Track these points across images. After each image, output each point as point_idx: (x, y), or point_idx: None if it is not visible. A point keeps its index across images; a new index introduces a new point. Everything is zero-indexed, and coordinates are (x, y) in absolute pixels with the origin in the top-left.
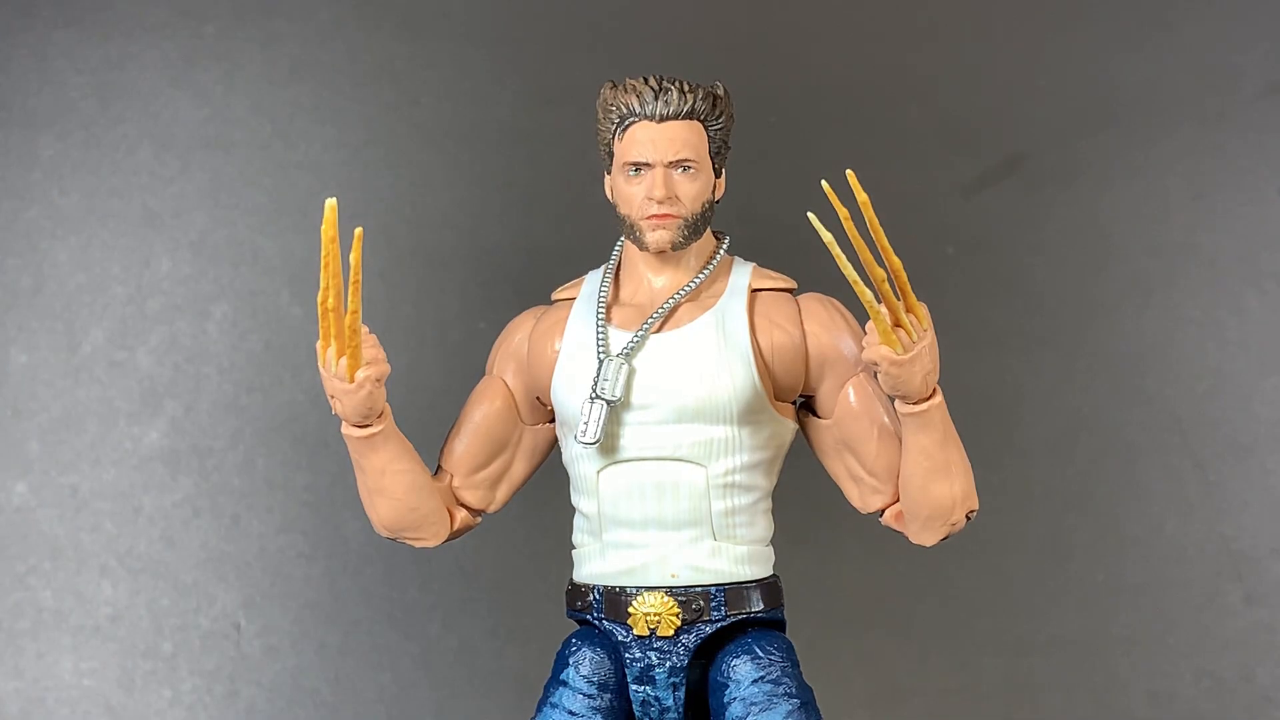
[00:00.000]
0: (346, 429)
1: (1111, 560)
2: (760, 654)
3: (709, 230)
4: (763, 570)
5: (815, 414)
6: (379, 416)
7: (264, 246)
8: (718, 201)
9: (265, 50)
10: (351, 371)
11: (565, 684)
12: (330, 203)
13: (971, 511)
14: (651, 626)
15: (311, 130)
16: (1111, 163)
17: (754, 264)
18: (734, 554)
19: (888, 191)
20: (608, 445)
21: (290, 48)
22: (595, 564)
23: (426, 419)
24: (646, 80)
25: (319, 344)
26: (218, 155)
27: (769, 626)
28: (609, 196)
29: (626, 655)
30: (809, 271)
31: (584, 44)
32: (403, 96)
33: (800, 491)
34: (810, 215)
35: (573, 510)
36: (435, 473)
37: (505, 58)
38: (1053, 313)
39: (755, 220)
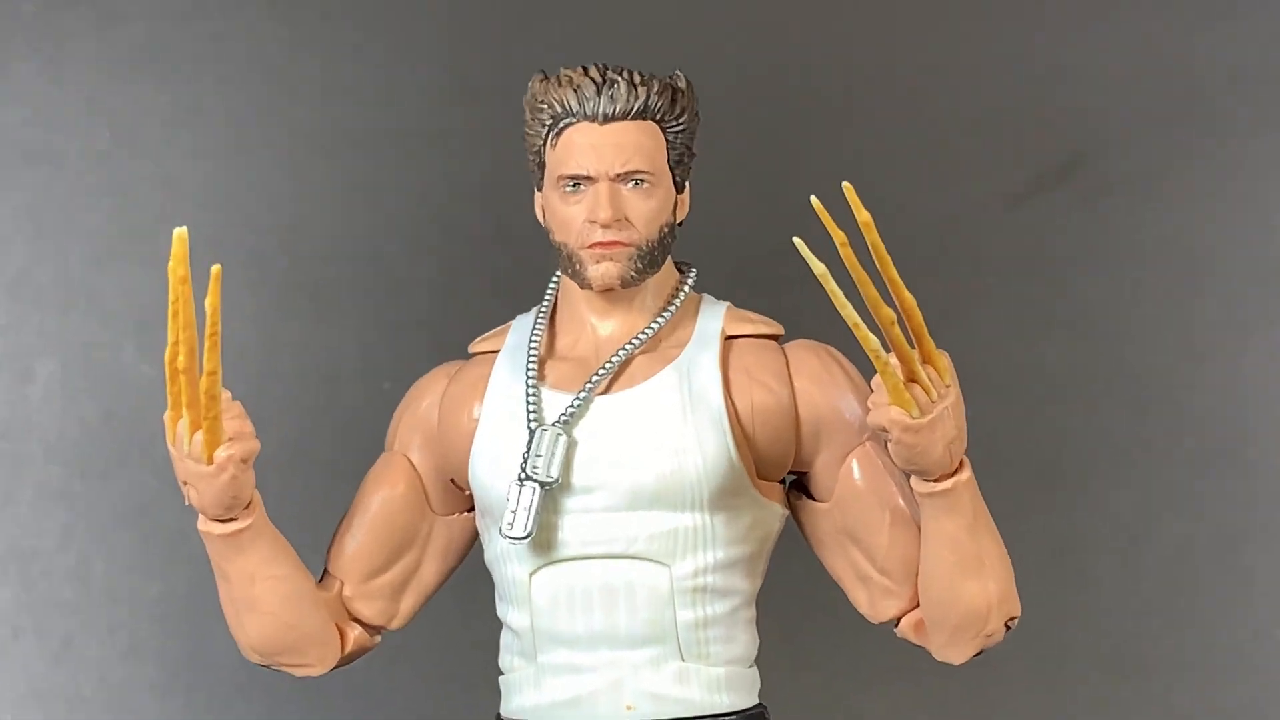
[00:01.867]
0: (205, 524)
1: (1206, 674)
2: None
3: (669, 261)
4: (745, 698)
5: (810, 495)
6: (246, 508)
7: (102, 287)
8: (680, 224)
9: (102, 34)
10: (209, 450)
11: None
12: (179, 233)
13: (1012, 619)
14: None
15: (161, 136)
16: (1194, 165)
17: (728, 304)
18: (707, 678)
19: (907, 206)
20: (542, 540)
21: (134, 30)
22: (528, 694)
23: (310, 509)
24: (586, 70)
25: (167, 415)
26: (41, 169)
27: None
28: (540, 219)
29: None
30: (798, 313)
31: (514, 25)
32: (279, 91)
33: (792, 594)
34: (797, 241)
35: (498, 624)
36: (321, 579)
37: (411, 42)
38: (1122, 359)
39: (730, 248)
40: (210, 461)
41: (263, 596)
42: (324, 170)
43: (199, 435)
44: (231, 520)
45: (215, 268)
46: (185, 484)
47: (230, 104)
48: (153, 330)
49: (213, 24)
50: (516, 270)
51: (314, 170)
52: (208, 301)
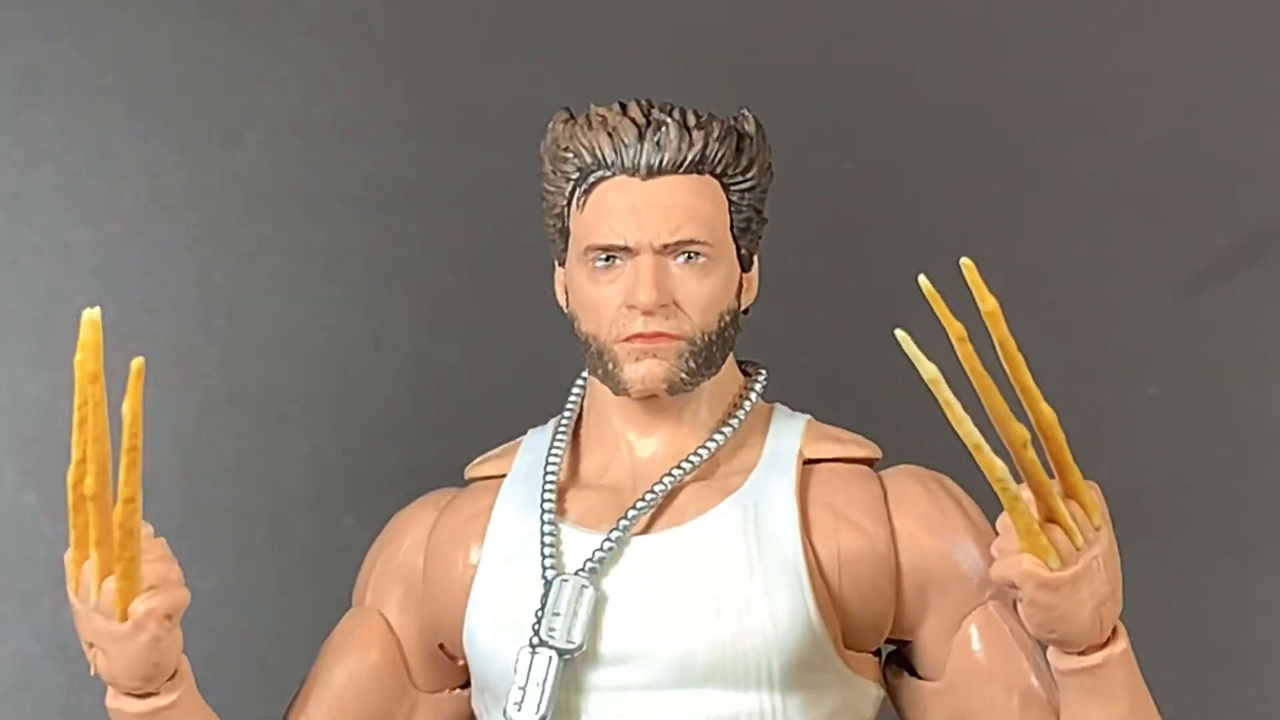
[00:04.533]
0: (116, 700)
1: None
2: None
3: (731, 360)
4: None
5: (914, 672)
6: (170, 679)
7: None
8: (746, 311)
9: None
10: (123, 602)
11: None
12: (89, 316)
13: None
14: None
15: (56, 188)
16: None
17: (808, 417)
18: None
19: (1043, 292)
20: None
21: (23, 43)
22: None
23: (254, 682)
24: (625, 109)
25: (69, 555)
26: None
27: None
28: (561, 303)
29: None
30: (898, 432)
31: (527, 40)
32: (216, 128)
33: None
34: (901, 335)
35: None
36: None
37: (392, 60)
38: None
39: (810, 341)
40: (125, 618)
41: None
42: (269, 233)
43: (110, 583)
44: (151, 695)
45: (136, 361)
46: (91, 646)
47: (150, 143)
48: (40, 447)
49: (133, 32)
50: (528, 371)
51: (255, 234)
52: (126, 406)
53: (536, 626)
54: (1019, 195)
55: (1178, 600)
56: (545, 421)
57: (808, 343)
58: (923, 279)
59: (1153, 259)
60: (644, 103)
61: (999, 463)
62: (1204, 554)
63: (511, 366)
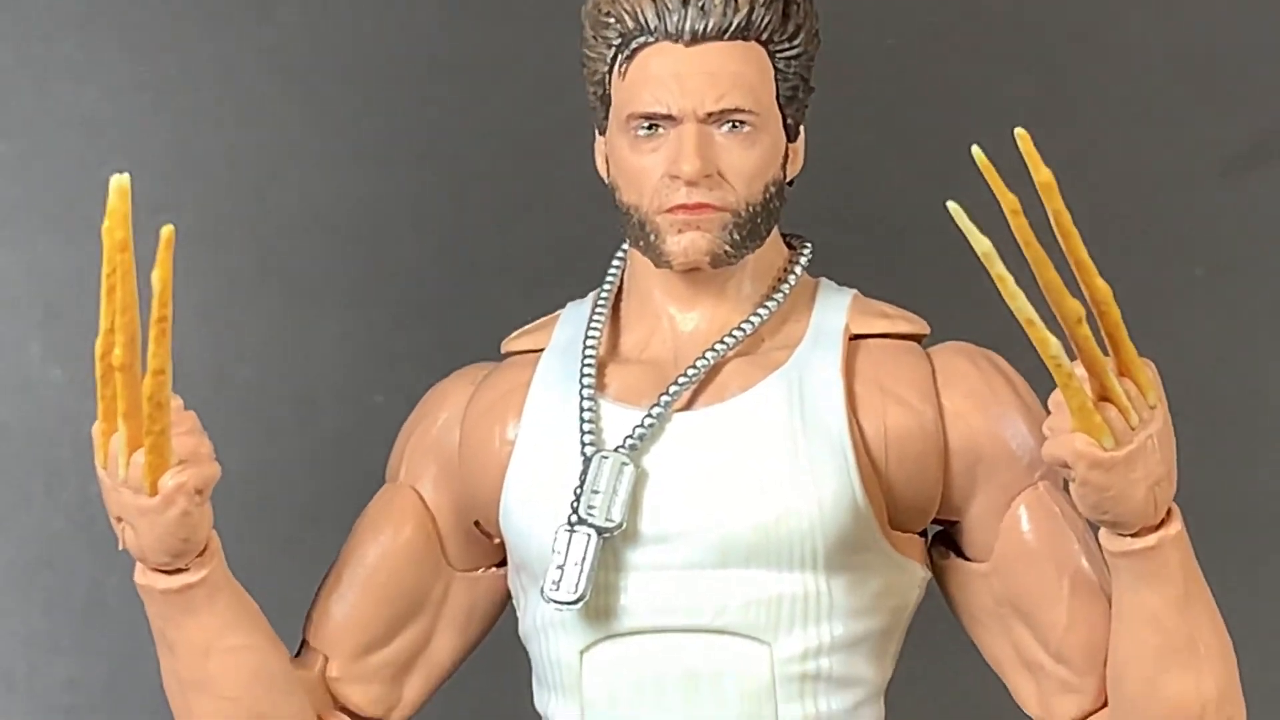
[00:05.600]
0: (144, 576)
1: None
2: None
3: (775, 233)
4: None
5: (961, 553)
6: (199, 555)
7: None
8: (791, 183)
9: None
10: (153, 476)
11: None
12: (118, 183)
13: None
14: None
15: (80, 61)
16: None
17: (854, 292)
18: None
19: (1091, 173)
20: (599, 607)
21: None
22: None
23: (282, 562)
24: None
25: (97, 428)
26: None
27: None
28: (602, 172)
29: None
30: (946, 306)
31: None
32: (239, 5)
33: (933, 685)
34: (953, 207)
35: (535, 719)
36: (298, 654)
37: None
38: None
39: (853, 218)
40: (154, 492)
41: (219, 675)
42: (298, 109)
43: (139, 456)
44: (180, 571)
45: (166, 229)
46: (120, 521)
47: (174, 19)
48: (65, 321)
49: None
50: (558, 246)
51: (285, 110)
52: (155, 275)
53: (575, 504)
54: (1065, 74)
55: (1220, 481)
56: (575, 298)
57: (855, 219)
58: (976, 150)
59: (1196, 138)
60: None
61: (1053, 339)
62: (1247, 434)
63: (542, 242)
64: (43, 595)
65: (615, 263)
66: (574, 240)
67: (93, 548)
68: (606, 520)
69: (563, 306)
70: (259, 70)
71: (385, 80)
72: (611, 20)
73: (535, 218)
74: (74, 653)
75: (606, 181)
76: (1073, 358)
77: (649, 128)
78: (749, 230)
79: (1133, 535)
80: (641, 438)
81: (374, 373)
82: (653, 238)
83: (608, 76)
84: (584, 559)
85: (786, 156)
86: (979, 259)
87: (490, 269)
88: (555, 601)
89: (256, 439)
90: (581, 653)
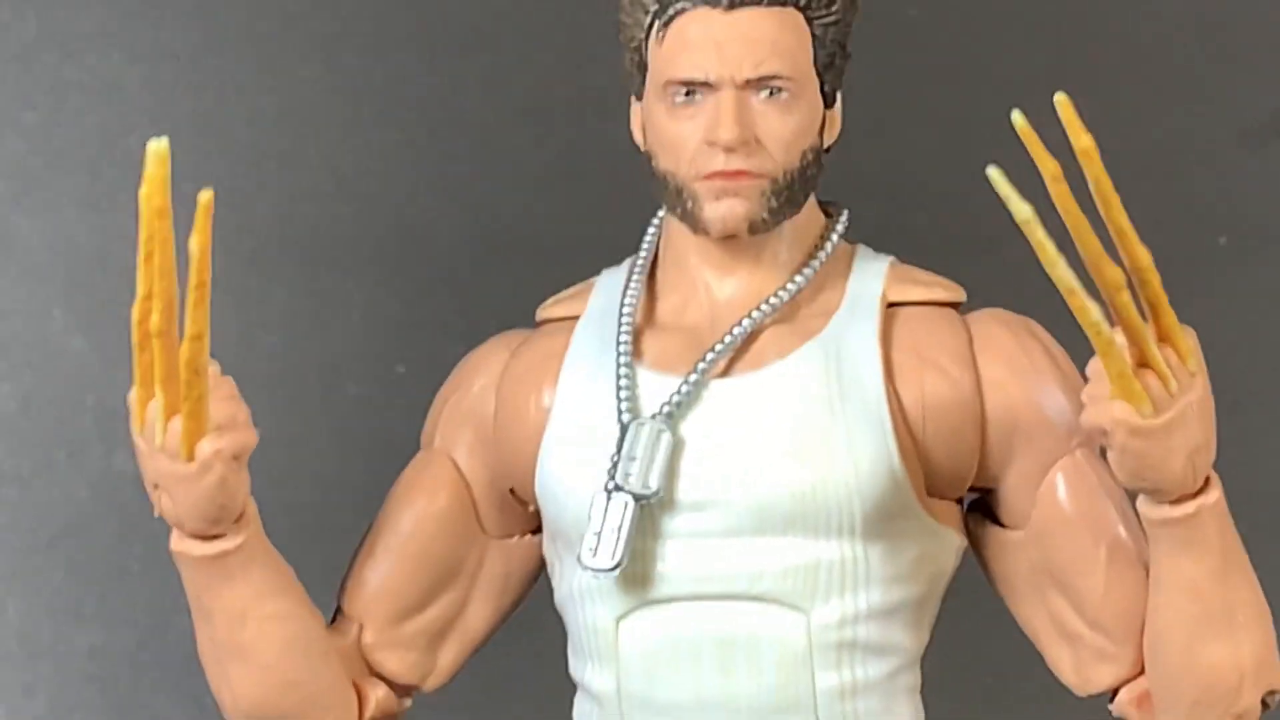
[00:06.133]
0: (181, 542)
1: None
2: None
3: (813, 200)
4: None
5: (997, 521)
6: (236, 522)
7: (20, 228)
8: (829, 150)
9: None
10: (190, 442)
11: None
12: (156, 147)
13: (1272, 693)
14: None
15: (105, 24)
16: None
17: (891, 259)
18: None
19: (1122, 143)
20: (636, 574)
21: None
22: None
23: (316, 529)
24: None
25: (133, 394)
26: None
27: None
28: (639, 139)
29: None
30: (983, 273)
31: None
32: None
33: (970, 653)
34: (993, 173)
35: (571, 687)
36: (333, 622)
37: None
38: None
39: (890, 186)
40: (191, 458)
41: (256, 643)
42: (324, 75)
43: (176, 422)
44: (217, 538)
45: (204, 195)
46: (156, 488)
47: None
48: (88, 290)
49: None
50: (585, 216)
51: (310, 76)
52: (193, 241)
53: (612, 471)
54: (1088, 43)
55: (1241, 459)
56: (599, 269)
57: (887, 188)
58: (1017, 115)
59: (1222, 109)
60: None
61: (1093, 305)
62: (1274, 403)
63: (568, 212)
64: (66, 564)
65: (651, 230)
66: (598, 210)
67: (116, 517)
68: (644, 487)
69: (586, 278)
70: (285, 39)
71: (412, 49)
72: None
73: (560, 187)
74: (97, 621)
75: (643, 148)
76: (1113, 325)
77: (687, 94)
78: (787, 197)
79: (1171, 503)
80: (679, 405)
81: (397, 342)
82: (690, 204)
83: (645, 42)
84: (621, 526)
85: (824, 123)
86: (1018, 226)
87: (514, 239)
88: (592, 568)
89: (280, 407)
90: (618, 620)
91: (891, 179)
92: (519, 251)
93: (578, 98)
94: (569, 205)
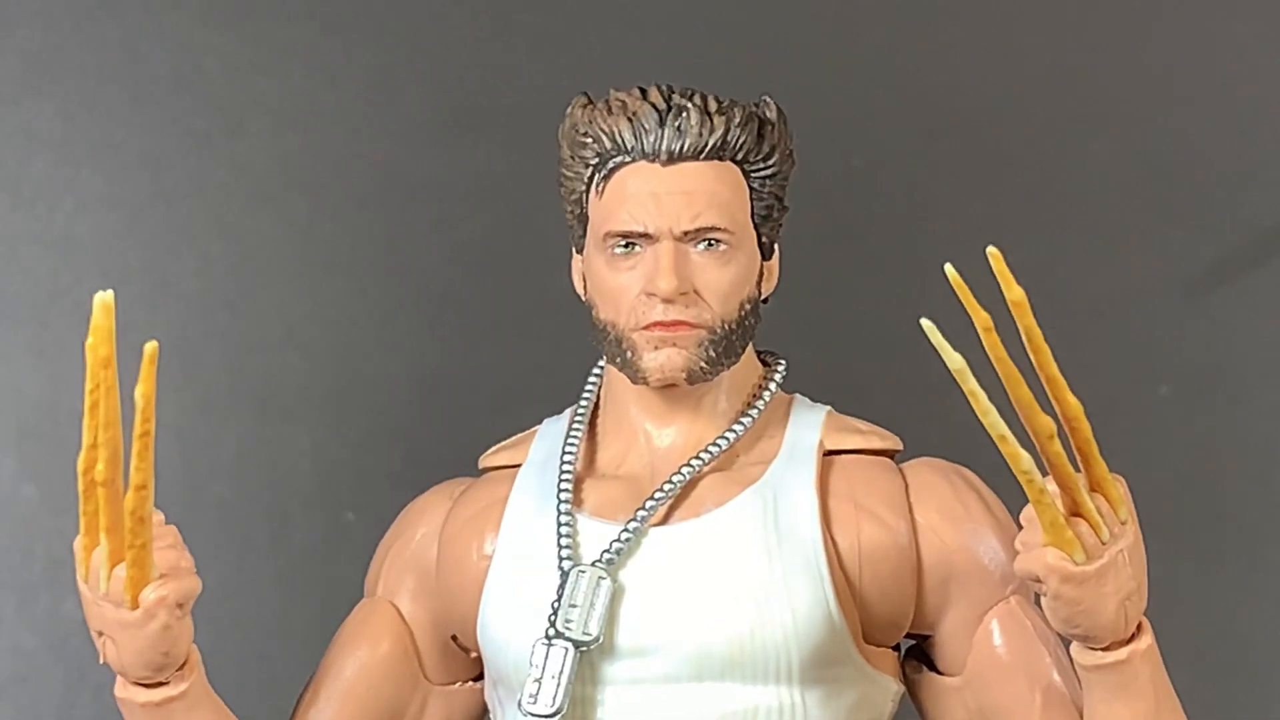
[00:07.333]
0: (125, 689)
1: None
2: None
3: (750, 350)
4: None
5: (934, 668)
6: (180, 669)
7: None
8: (766, 300)
9: None
10: (134, 590)
11: None
12: (102, 299)
13: None
14: None
15: (55, 175)
16: None
17: (828, 408)
18: None
19: (1057, 290)
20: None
21: (24, 31)
22: None
23: (259, 675)
24: (645, 94)
25: (79, 542)
26: None
27: None
28: (579, 290)
29: None
30: (917, 425)
31: (533, 31)
32: (218, 118)
33: None
34: (925, 323)
35: None
36: None
37: (396, 51)
38: None
39: (827, 335)
40: (135, 605)
41: None
42: (272, 225)
43: (120, 570)
44: (161, 684)
45: (150, 346)
46: (100, 635)
47: (146, 138)
48: (37, 439)
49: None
50: (529, 366)
51: (257, 226)
52: (138, 391)
53: (553, 618)
54: (1029, 194)
55: (1186, 602)
56: (543, 417)
57: (825, 337)
58: (949, 268)
59: (1160, 253)
60: (664, 88)
61: (1025, 454)
62: (1213, 555)
63: (513, 362)
64: (14, 712)
65: (592, 379)
66: (543, 360)
67: (64, 665)
68: (584, 634)
69: (532, 425)
70: (233, 189)
71: (357, 199)
72: (589, 140)
73: (505, 337)
74: None
75: (583, 299)
76: (1044, 473)
77: (626, 246)
78: (724, 347)
79: (1104, 649)
80: (619, 552)
81: (345, 490)
82: (629, 354)
83: (585, 195)
84: (561, 672)
85: (761, 274)
86: (951, 375)
87: (461, 388)
88: (533, 714)
89: (228, 555)
90: None
91: (830, 328)
92: (464, 400)
93: (520, 249)
94: (512, 356)
